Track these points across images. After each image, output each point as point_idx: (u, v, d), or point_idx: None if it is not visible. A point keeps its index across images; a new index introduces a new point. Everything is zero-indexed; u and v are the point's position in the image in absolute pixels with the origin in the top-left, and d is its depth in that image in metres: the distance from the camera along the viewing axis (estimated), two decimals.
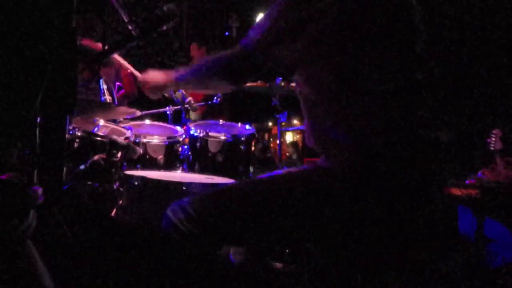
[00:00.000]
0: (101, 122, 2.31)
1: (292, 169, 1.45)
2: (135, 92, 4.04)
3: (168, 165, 2.42)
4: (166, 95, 2.66)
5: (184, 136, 2.49)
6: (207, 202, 1.32)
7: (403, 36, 1.33)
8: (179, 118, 3.14)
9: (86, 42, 2.85)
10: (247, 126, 2.61)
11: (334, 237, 1.29)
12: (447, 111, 1.42)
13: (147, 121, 2.70)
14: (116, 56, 2.11)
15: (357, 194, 1.24)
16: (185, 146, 2.46)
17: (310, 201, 1.27)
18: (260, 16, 6.22)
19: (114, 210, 2.17)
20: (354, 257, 1.32)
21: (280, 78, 3.09)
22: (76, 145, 2.15)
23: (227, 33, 6.98)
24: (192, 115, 4.37)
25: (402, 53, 1.32)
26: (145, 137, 2.43)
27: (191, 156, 2.42)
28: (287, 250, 2.31)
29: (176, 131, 2.59)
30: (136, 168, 2.33)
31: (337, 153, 1.29)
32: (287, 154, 10.00)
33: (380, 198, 1.23)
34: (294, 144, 10.06)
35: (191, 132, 2.44)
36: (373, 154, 1.24)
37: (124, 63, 2.19)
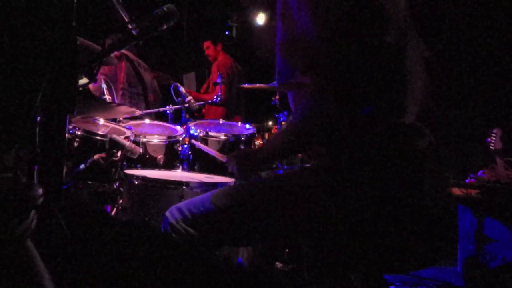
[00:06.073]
0: (101, 121, 2.31)
1: (284, 171, 1.47)
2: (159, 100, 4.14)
3: (168, 165, 2.43)
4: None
5: (184, 135, 2.49)
6: (200, 205, 1.37)
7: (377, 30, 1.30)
8: (179, 118, 3.14)
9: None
10: (247, 126, 2.61)
11: (327, 238, 1.30)
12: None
13: (147, 121, 2.70)
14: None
15: (348, 194, 1.24)
16: (185, 146, 2.46)
17: (301, 202, 1.28)
18: (260, 17, 6.18)
19: (114, 210, 2.17)
20: (349, 258, 1.32)
21: None
22: (76, 144, 2.15)
23: (227, 33, 6.97)
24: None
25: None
26: (145, 137, 2.43)
27: (191, 156, 2.42)
28: (287, 250, 2.31)
29: (176, 131, 2.59)
30: (136, 168, 2.33)
31: (330, 155, 1.31)
32: None
33: (372, 199, 1.23)
34: None
35: (191, 131, 2.44)
36: (363, 156, 1.25)
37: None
